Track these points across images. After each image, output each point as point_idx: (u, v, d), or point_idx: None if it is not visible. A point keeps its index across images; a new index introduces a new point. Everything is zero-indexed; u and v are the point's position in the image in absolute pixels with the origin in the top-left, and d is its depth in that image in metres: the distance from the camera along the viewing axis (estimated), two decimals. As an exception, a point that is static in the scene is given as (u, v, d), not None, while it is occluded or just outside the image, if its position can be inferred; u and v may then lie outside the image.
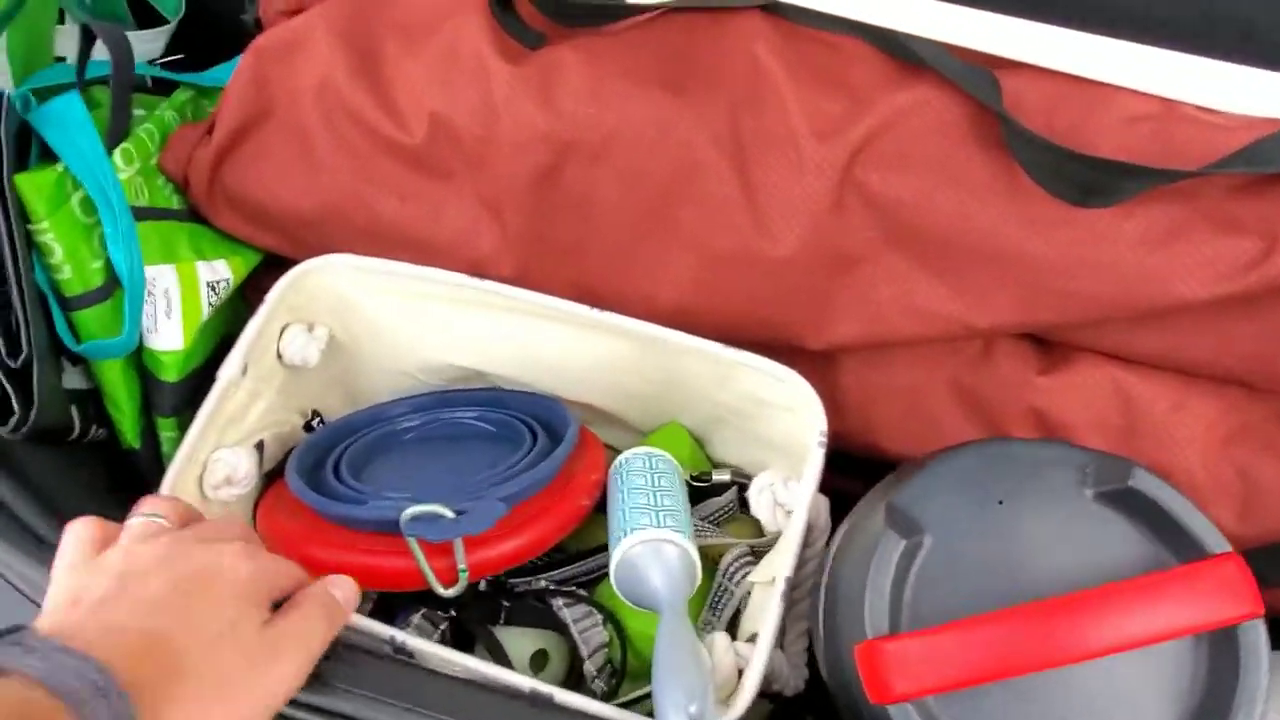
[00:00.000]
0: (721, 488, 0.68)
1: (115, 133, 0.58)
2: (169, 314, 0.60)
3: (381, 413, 0.72)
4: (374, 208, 0.62)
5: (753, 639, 0.56)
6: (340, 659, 0.48)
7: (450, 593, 0.57)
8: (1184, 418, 0.59)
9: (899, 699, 0.42)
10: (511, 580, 0.66)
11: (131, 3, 0.79)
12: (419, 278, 0.63)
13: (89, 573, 0.41)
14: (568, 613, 0.62)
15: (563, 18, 0.62)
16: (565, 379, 0.69)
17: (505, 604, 0.62)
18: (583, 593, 0.64)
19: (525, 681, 0.51)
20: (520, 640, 0.63)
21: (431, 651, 0.53)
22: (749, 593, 0.61)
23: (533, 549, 0.59)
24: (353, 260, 0.64)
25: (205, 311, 0.63)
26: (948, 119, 0.56)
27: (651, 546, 0.56)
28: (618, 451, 0.72)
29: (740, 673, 0.53)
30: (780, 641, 0.58)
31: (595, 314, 0.60)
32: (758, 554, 0.64)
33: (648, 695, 0.51)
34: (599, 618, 0.62)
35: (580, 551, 0.66)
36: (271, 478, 0.67)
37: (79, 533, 0.44)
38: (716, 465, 0.72)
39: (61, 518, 0.54)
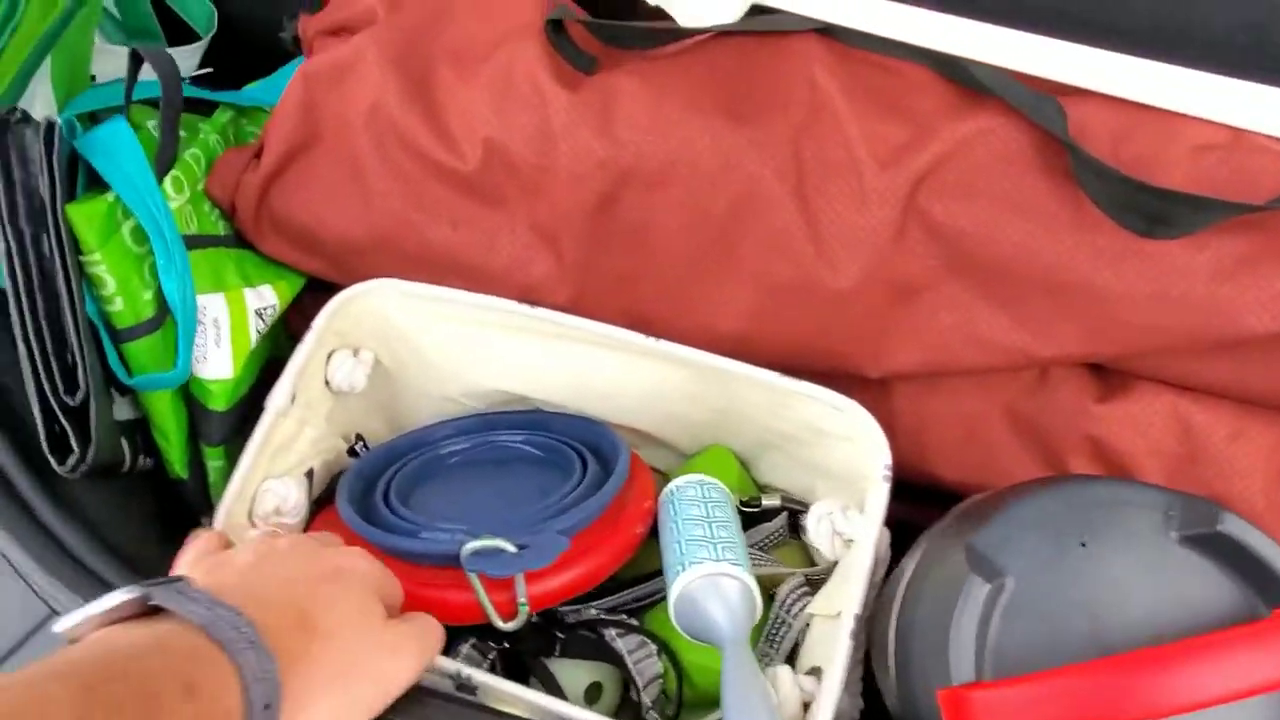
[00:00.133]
0: (771, 513, 0.67)
1: (165, 160, 0.57)
2: (218, 343, 0.59)
3: (425, 437, 0.71)
4: (425, 234, 0.61)
5: (813, 672, 0.56)
6: (404, 696, 0.47)
7: (509, 626, 0.56)
8: (1244, 447, 0.59)
9: (984, 746, 0.41)
10: (561, 609, 0.65)
11: (161, 18, 0.78)
12: (469, 304, 0.62)
13: (221, 559, 0.45)
14: (621, 643, 0.62)
15: (616, 41, 0.61)
16: (613, 404, 0.68)
17: (560, 635, 0.62)
18: (634, 622, 0.63)
19: (590, 717, 0.50)
20: (574, 672, 0.62)
21: (496, 686, 0.53)
22: (807, 624, 0.60)
23: (591, 580, 0.59)
24: (400, 285, 0.63)
25: (254, 339, 0.62)
26: (1013, 148, 0.55)
27: (711, 581, 0.55)
28: (660, 473, 0.72)
29: (805, 707, 0.53)
30: (838, 672, 0.58)
31: (653, 343, 0.59)
32: (813, 583, 0.63)
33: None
34: (653, 648, 0.62)
35: (630, 579, 0.66)
36: (318, 504, 0.66)
37: (202, 542, 0.48)
38: (762, 489, 0.72)
39: (117, 553, 0.54)
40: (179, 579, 0.39)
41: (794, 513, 0.68)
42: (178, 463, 0.62)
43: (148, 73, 0.70)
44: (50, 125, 0.52)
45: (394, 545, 0.57)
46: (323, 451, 0.66)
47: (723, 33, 0.61)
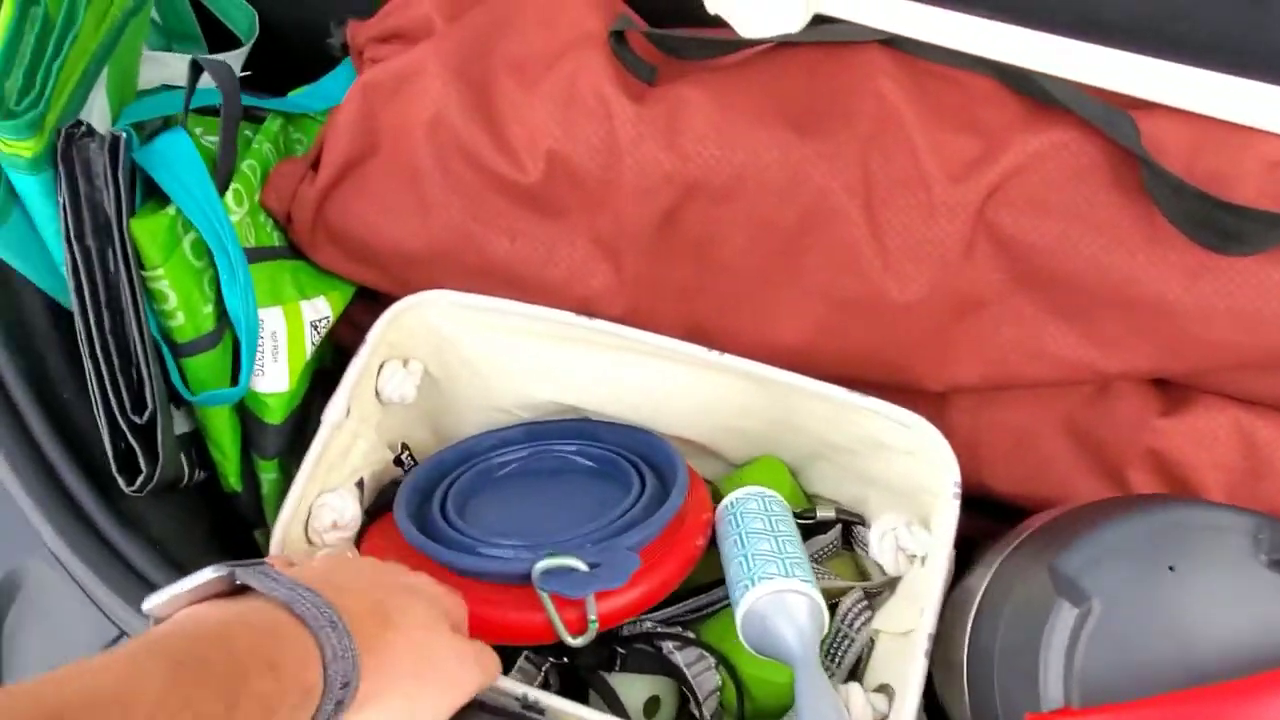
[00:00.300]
0: (825, 525, 0.67)
1: (225, 172, 0.56)
2: (276, 357, 0.59)
3: (473, 448, 0.71)
4: (483, 247, 0.60)
5: (882, 689, 0.56)
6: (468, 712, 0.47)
7: (578, 643, 0.55)
8: (1309, 461, 0.58)
9: (1078, 772, 0.41)
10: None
11: (201, 23, 0.77)
12: (526, 315, 0.62)
13: (297, 566, 0.45)
14: (680, 656, 0.61)
15: (677, 52, 0.60)
16: (665, 415, 0.68)
17: (620, 650, 0.61)
18: (691, 635, 0.63)
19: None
20: (633, 686, 0.62)
21: (560, 708, 0.52)
22: (870, 639, 0.60)
23: (657, 595, 0.58)
24: (453, 296, 0.62)
25: (309, 351, 0.61)
26: (1085, 162, 0.54)
27: (781, 597, 0.55)
28: (709, 483, 0.71)
29: (879, 723, 0.53)
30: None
31: (717, 356, 0.59)
32: (870, 595, 0.63)
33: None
34: (711, 661, 0.62)
35: (685, 591, 0.65)
36: (368, 514, 0.66)
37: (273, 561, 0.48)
38: (810, 498, 0.71)
39: (181, 570, 0.53)
40: (262, 561, 0.39)
41: (846, 525, 0.67)
42: (233, 476, 0.61)
43: (173, 79, 0.70)
44: (115, 139, 0.51)
45: (461, 563, 0.57)
46: (373, 463, 0.66)
47: (784, 43, 0.60)
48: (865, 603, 0.61)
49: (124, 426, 0.50)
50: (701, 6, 0.61)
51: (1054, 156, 0.55)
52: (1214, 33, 0.57)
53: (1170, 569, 0.44)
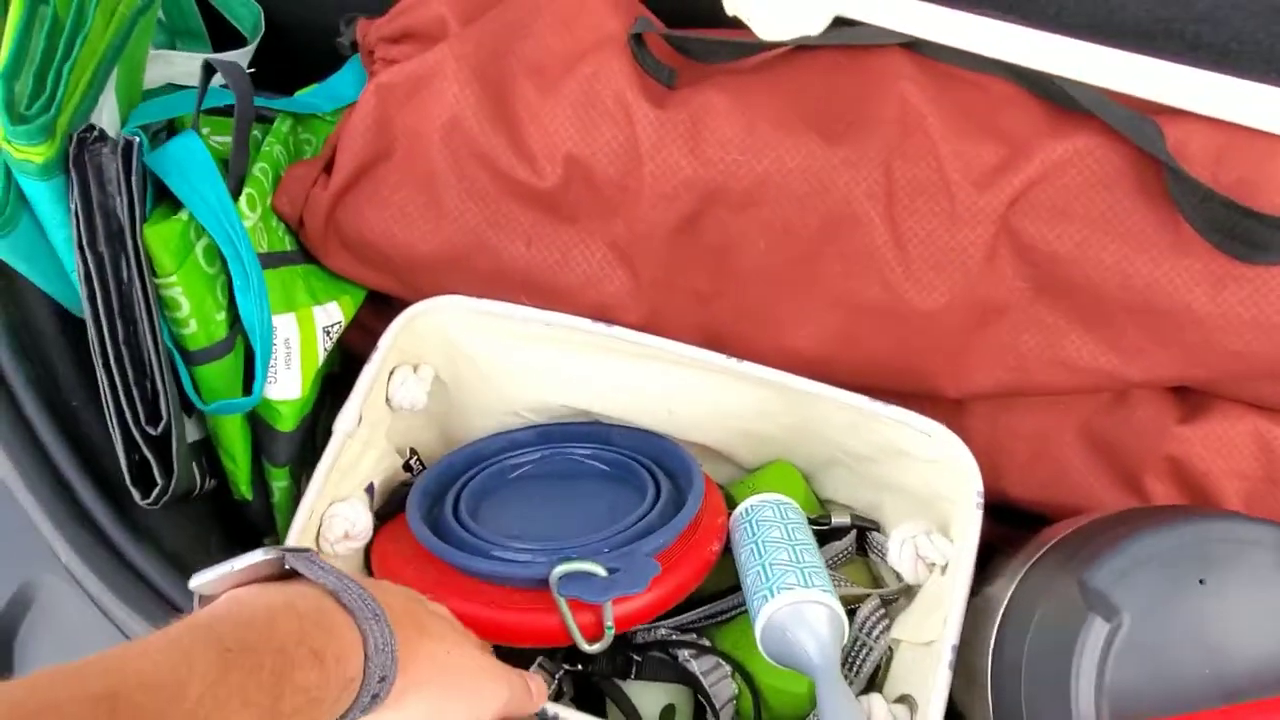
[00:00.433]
0: (840, 531, 0.67)
1: (237, 176, 0.55)
2: (289, 364, 0.58)
3: (483, 450, 0.70)
4: (500, 252, 0.60)
5: (903, 700, 0.55)
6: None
7: (594, 649, 0.55)
8: (1327, 469, 0.58)
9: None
10: (633, 629, 0.64)
11: (207, 20, 0.76)
12: (540, 321, 0.61)
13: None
14: (696, 665, 0.61)
15: (696, 55, 0.59)
16: (681, 420, 0.67)
17: (636, 658, 0.61)
18: (707, 642, 0.63)
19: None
20: (648, 695, 0.62)
21: (580, 720, 0.52)
22: (889, 648, 0.60)
23: (672, 599, 0.58)
24: (467, 302, 0.61)
25: (321, 357, 0.61)
26: (1109, 169, 0.54)
27: (802, 608, 0.54)
28: (720, 487, 0.71)
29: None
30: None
31: (737, 364, 0.58)
32: (886, 603, 0.63)
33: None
34: (727, 669, 0.61)
35: (700, 598, 0.65)
36: (378, 517, 0.65)
37: None
38: (823, 503, 0.71)
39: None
40: (308, 549, 0.39)
41: (861, 531, 0.67)
42: (244, 484, 0.61)
43: (178, 77, 0.68)
44: (129, 144, 0.50)
45: (475, 566, 0.56)
46: (383, 469, 0.65)
47: (804, 46, 0.59)
48: (883, 610, 0.61)
49: (138, 438, 0.49)
50: (719, 8, 0.60)
51: (1077, 163, 0.54)
52: (1235, 36, 0.57)
53: (1200, 582, 0.44)
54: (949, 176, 0.55)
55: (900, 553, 0.59)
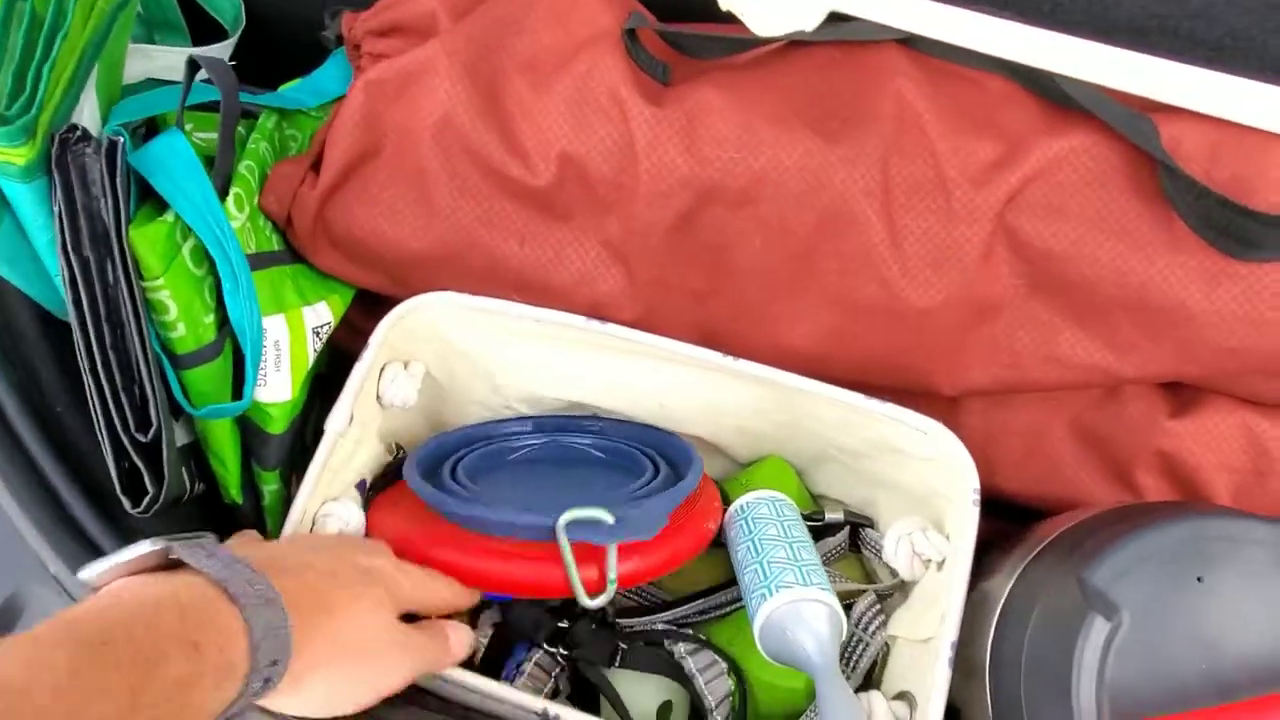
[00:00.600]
0: (834, 527, 0.67)
1: (224, 175, 0.54)
2: (279, 366, 0.57)
3: (475, 434, 0.69)
4: (493, 251, 0.59)
5: (901, 697, 0.56)
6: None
7: (595, 603, 0.54)
8: (1315, 463, 0.59)
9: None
10: (625, 621, 0.64)
11: (185, 12, 0.74)
12: (533, 318, 0.60)
13: (258, 543, 0.46)
14: (691, 661, 0.61)
15: (690, 50, 0.59)
16: (672, 414, 0.67)
17: (623, 646, 0.61)
18: (703, 637, 0.63)
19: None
20: (645, 691, 0.62)
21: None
22: (885, 644, 0.60)
23: (675, 561, 0.57)
24: (459, 298, 0.61)
25: (311, 358, 0.60)
26: (1105, 167, 0.54)
27: (800, 606, 0.54)
28: (714, 481, 0.71)
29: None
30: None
31: (732, 362, 0.58)
32: (881, 598, 0.63)
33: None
34: (723, 666, 0.61)
35: (692, 594, 0.65)
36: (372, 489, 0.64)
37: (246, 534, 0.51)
38: (816, 499, 0.71)
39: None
40: (204, 535, 0.40)
41: (854, 527, 0.67)
42: (234, 488, 0.60)
43: (158, 72, 0.67)
44: (112, 144, 0.48)
45: (480, 514, 0.55)
46: (375, 467, 0.64)
47: (799, 42, 0.59)
48: (879, 607, 0.61)
49: (128, 446, 0.48)
50: (712, 3, 0.59)
51: (1073, 161, 0.54)
52: (1229, 32, 0.57)
53: (1199, 580, 0.45)
54: (946, 174, 0.55)
55: (896, 549, 0.60)
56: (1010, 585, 0.52)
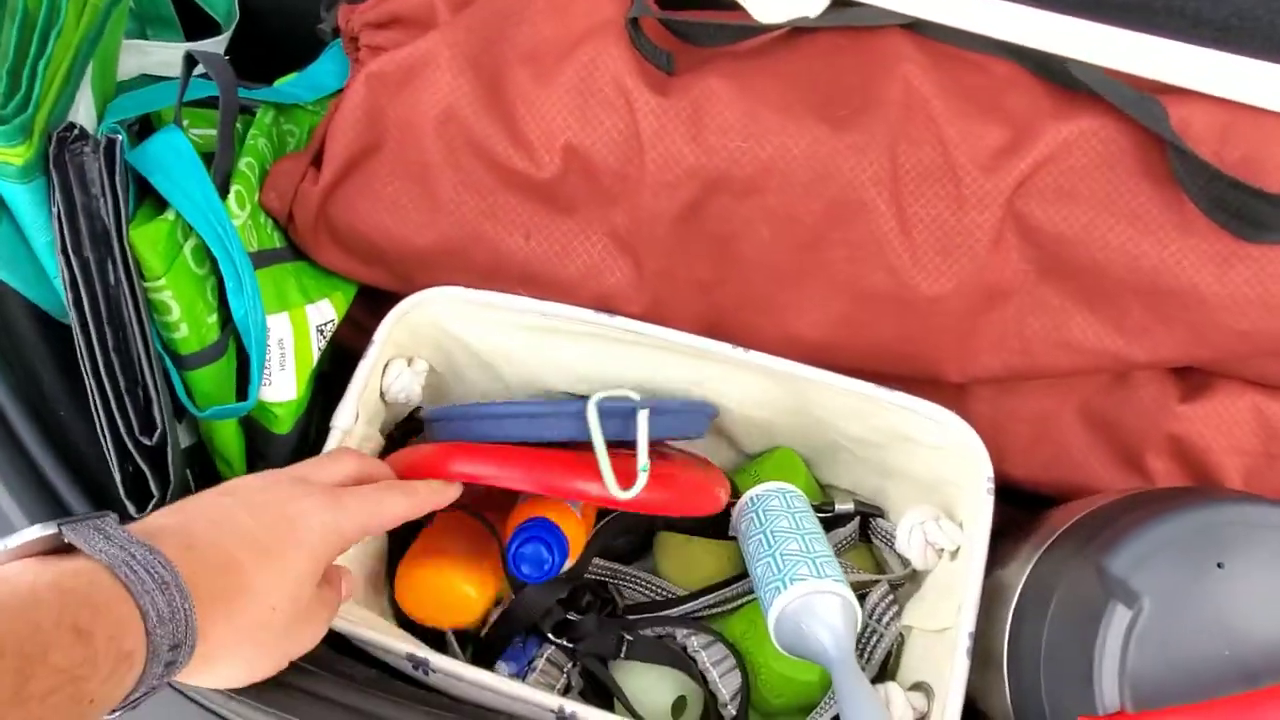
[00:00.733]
0: (844, 518, 0.66)
1: (224, 173, 0.53)
2: (283, 365, 0.56)
3: (484, 410, 0.68)
4: (498, 245, 0.58)
5: (918, 687, 0.55)
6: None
7: (627, 495, 0.51)
8: (1326, 444, 0.59)
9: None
10: (635, 617, 0.64)
11: (177, 6, 0.73)
12: (541, 312, 0.60)
13: (191, 497, 0.43)
14: (705, 655, 0.61)
15: (692, 38, 0.58)
16: (684, 405, 0.66)
17: (628, 638, 0.61)
18: (716, 630, 0.62)
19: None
20: (660, 687, 0.61)
21: (591, 717, 0.51)
22: (900, 635, 0.60)
23: (692, 498, 0.57)
24: (462, 293, 0.60)
25: (315, 357, 0.59)
26: (1114, 150, 0.54)
27: (815, 599, 0.54)
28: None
29: (919, 722, 0.52)
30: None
31: (742, 353, 0.58)
32: (893, 587, 0.63)
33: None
34: (734, 661, 0.61)
35: (700, 590, 0.65)
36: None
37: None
38: (823, 488, 0.71)
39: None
40: (104, 515, 0.38)
41: (865, 517, 0.67)
42: (240, 489, 0.59)
43: (152, 68, 0.66)
44: (111, 142, 0.47)
45: (506, 410, 0.54)
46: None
47: (802, 29, 0.58)
48: (892, 597, 0.61)
49: (131, 449, 0.48)
50: (714, -11, 0.59)
51: (1083, 145, 0.54)
52: (1235, 11, 0.56)
53: (1219, 565, 0.44)
54: (955, 160, 0.54)
55: (909, 539, 0.59)
56: (1026, 574, 0.52)
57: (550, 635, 0.61)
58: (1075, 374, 0.60)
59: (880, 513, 0.66)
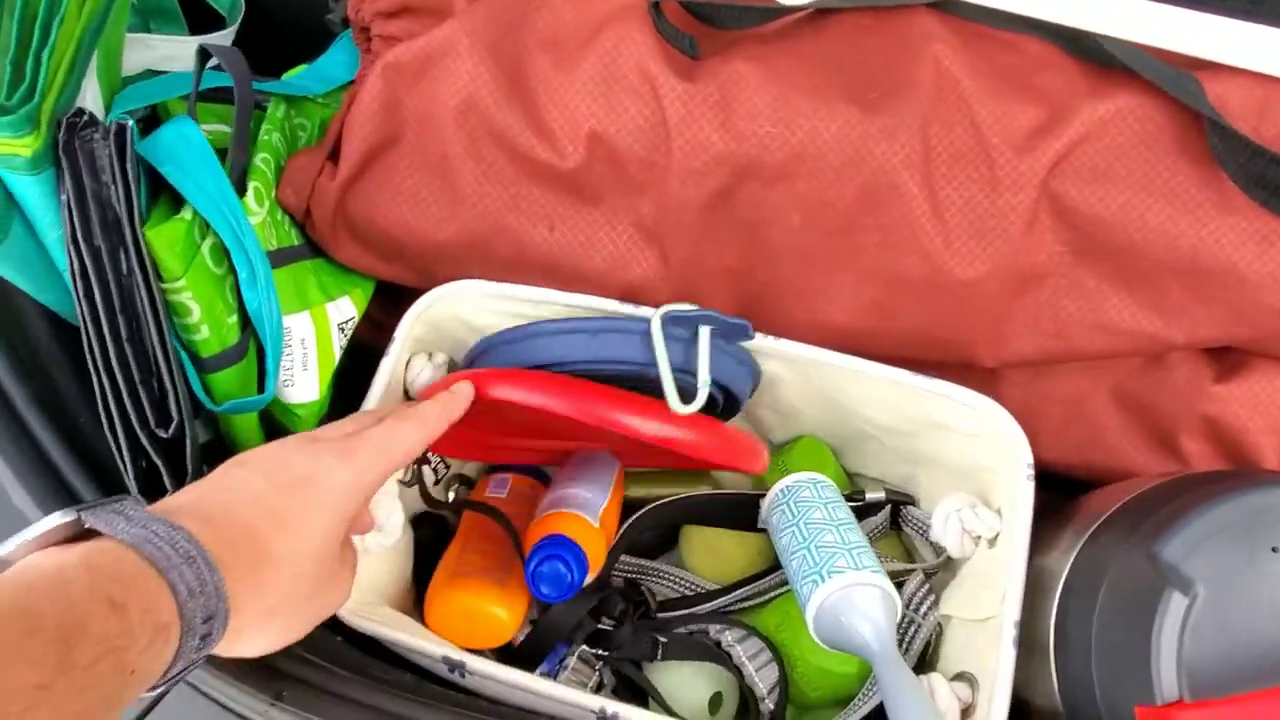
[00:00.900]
0: (875, 506, 0.66)
1: (239, 168, 0.52)
2: (305, 365, 0.55)
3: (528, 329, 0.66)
4: (521, 238, 0.57)
5: (960, 677, 0.54)
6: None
7: (688, 409, 0.52)
8: (1364, 424, 0.58)
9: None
10: (668, 615, 0.63)
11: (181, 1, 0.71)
12: (560, 304, 0.58)
13: (209, 476, 0.43)
14: (740, 649, 0.60)
15: (714, 21, 0.56)
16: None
17: (662, 640, 0.60)
18: (750, 625, 0.62)
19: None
20: (695, 683, 0.60)
21: (633, 717, 0.50)
22: (938, 624, 0.59)
23: (740, 443, 0.57)
24: (481, 286, 0.59)
25: (337, 356, 0.58)
26: (1151, 128, 0.53)
27: (854, 592, 0.53)
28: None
29: (964, 713, 0.51)
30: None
31: (773, 342, 0.57)
32: (928, 576, 0.62)
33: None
34: (770, 654, 0.60)
35: (734, 583, 0.64)
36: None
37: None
38: (851, 477, 0.70)
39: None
40: (121, 498, 0.38)
41: (895, 505, 0.66)
42: (261, 492, 0.57)
43: (157, 63, 0.64)
44: (121, 127, 0.46)
45: (569, 326, 0.53)
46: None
47: (826, 9, 0.57)
48: (928, 586, 0.60)
49: (145, 443, 0.46)
50: (735, -30, 0.57)
51: (1119, 123, 0.53)
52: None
53: (1274, 550, 0.43)
54: (988, 141, 0.53)
55: (945, 527, 0.58)
56: (1070, 562, 0.51)
57: (587, 647, 0.60)
58: (1111, 357, 0.59)
59: (912, 500, 0.65)
